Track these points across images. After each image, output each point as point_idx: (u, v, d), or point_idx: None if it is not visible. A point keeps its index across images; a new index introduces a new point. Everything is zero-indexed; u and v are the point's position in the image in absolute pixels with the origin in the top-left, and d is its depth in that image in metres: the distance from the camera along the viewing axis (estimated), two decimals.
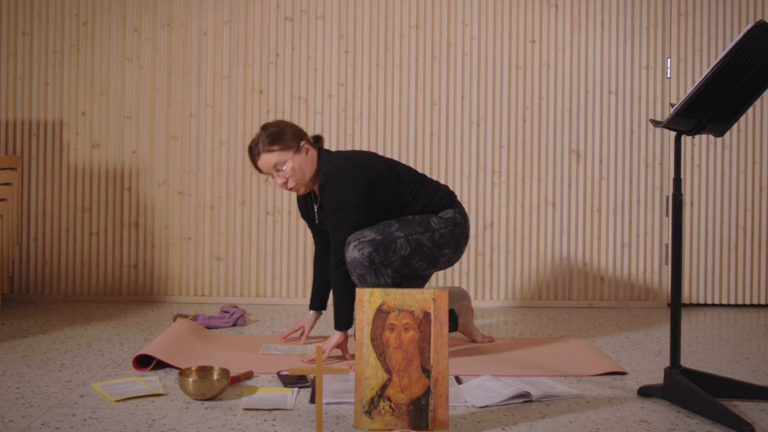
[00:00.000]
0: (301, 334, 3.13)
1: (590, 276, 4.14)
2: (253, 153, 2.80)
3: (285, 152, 2.75)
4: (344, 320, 2.76)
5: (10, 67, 4.13)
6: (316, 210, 2.97)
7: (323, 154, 2.87)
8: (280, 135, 2.76)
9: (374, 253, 2.75)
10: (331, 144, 4.10)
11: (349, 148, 4.11)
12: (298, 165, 2.77)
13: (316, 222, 3.00)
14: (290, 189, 2.82)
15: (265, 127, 2.81)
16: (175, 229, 4.14)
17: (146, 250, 4.13)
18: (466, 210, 4.12)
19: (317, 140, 2.92)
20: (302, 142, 2.79)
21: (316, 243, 3.13)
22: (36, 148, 4.13)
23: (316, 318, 3.14)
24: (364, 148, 4.11)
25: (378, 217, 2.86)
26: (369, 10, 4.11)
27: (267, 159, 2.76)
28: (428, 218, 2.89)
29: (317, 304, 3.13)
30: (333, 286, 2.77)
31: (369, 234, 2.79)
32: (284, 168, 2.76)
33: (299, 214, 3.16)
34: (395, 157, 4.11)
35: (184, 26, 4.12)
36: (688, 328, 3.54)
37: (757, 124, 4.15)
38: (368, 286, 2.80)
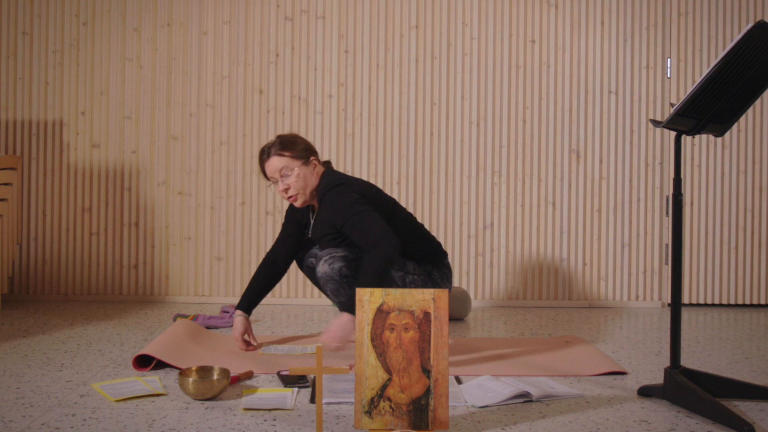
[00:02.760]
0: (252, 342, 2.99)
1: (590, 276, 4.14)
2: (263, 155, 2.86)
3: (294, 160, 2.82)
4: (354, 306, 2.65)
5: (10, 67, 4.13)
6: (312, 224, 2.97)
7: (327, 172, 2.90)
8: (293, 143, 2.84)
9: (345, 268, 2.78)
10: (331, 143, 4.10)
11: (349, 148, 4.11)
12: (302, 175, 2.82)
13: (308, 235, 3.01)
14: (289, 197, 2.85)
15: (280, 136, 2.90)
16: (175, 229, 4.14)
17: (146, 250, 4.13)
18: (467, 209, 4.12)
19: (326, 164, 2.97)
20: (312, 157, 2.86)
21: (279, 247, 3.07)
22: (36, 148, 4.13)
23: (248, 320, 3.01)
24: (364, 149, 4.12)
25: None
26: (369, 10, 4.11)
27: (275, 162, 2.82)
28: (406, 260, 2.91)
29: (250, 305, 3.01)
30: (364, 270, 2.58)
31: (342, 251, 2.82)
32: (290, 174, 2.81)
33: (284, 216, 3.12)
34: (395, 157, 4.11)
35: (184, 26, 4.12)
36: (688, 328, 3.54)
37: (757, 124, 4.15)
38: (344, 298, 2.82)
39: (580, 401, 2.34)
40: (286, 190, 2.84)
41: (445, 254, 3.04)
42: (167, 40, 4.12)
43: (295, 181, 2.82)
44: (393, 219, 2.88)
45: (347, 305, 2.70)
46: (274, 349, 2.99)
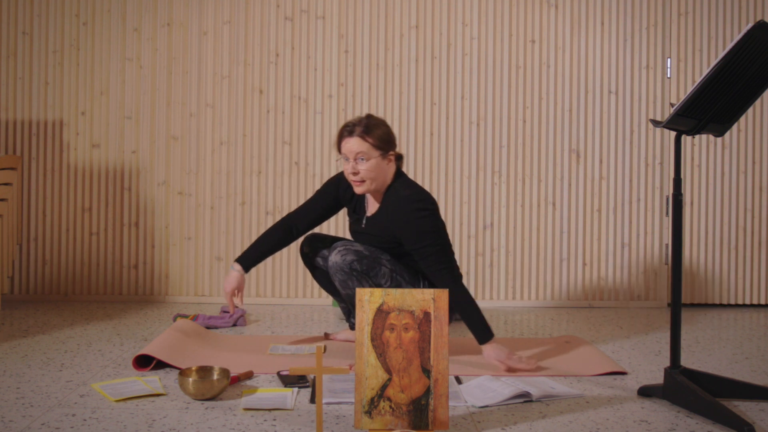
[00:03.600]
0: (238, 305, 2.94)
1: (590, 276, 4.14)
2: (346, 130, 2.76)
3: (374, 149, 2.74)
4: (488, 328, 2.67)
5: (10, 67, 4.13)
6: (368, 216, 2.90)
7: (400, 175, 2.86)
8: (380, 131, 2.75)
9: (356, 263, 2.77)
10: (331, 144, 4.10)
11: None
12: (377, 167, 2.75)
13: (362, 225, 2.92)
14: (355, 181, 2.77)
15: (370, 116, 2.80)
16: (175, 229, 4.14)
17: (146, 250, 4.13)
18: (467, 209, 4.12)
19: (399, 158, 2.90)
20: (391, 152, 2.80)
21: (302, 216, 2.98)
22: (36, 148, 4.13)
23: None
24: None
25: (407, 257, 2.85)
26: (369, 10, 4.11)
27: (356, 143, 2.73)
28: (420, 277, 2.90)
29: (251, 264, 2.91)
30: (462, 302, 2.67)
31: (358, 247, 2.81)
32: (365, 161, 2.74)
33: (321, 187, 3.03)
34: None
35: (184, 26, 4.12)
36: (688, 328, 3.54)
37: (757, 124, 4.15)
38: (351, 291, 2.82)
39: (580, 401, 2.34)
40: (355, 173, 2.76)
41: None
42: (167, 40, 4.12)
43: (368, 170, 2.74)
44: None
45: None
46: (281, 349, 2.99)
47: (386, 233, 2.81)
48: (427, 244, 2.70)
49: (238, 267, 2.91)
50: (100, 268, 4.14)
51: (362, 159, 2.74)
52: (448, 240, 2.79)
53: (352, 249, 2.79)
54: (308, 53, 4.12)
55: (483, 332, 2.66)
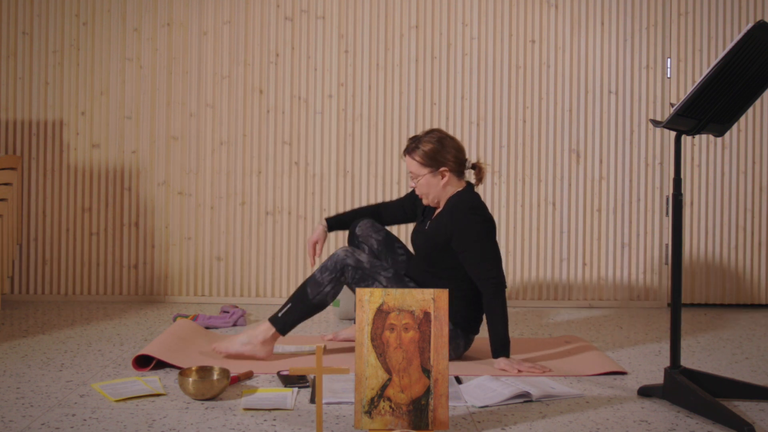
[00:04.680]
0: (317, 254, 3.07)
1: (590, 276, 4.14)
2: (407, 146, 2.91)
3: (422, 168, 2.85)
4: (507, 346, 2.70)
5: (10, 67, 4.13)
6: (433, 218, 2.92)
7: (469, 193, 2.87)
8: (427, 149, 2.84)
9: (349, 270, 2.79)
10: (331, 143, 4.10)
11: (349, 148, 4.11)
12: (427, 183, 2.86)
13: (425, 226, 2.94)
14: (418, 194, 2.95)
15: (430, 132, 2.90)
16: (175, 229, 4.14)
17: (146, 250, 4.13)
18: None
19: (474, 168, 2.94)
20: (443, 168, 2.84)
21: (389, 209, 3.16)
22: (36, 148, 4.13)
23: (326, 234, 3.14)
24: (364, 149, 4.11)
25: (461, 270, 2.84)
26: (369, 10, 4.11)
27: (408, 162, 2.90)
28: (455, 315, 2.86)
29: (335, 225, 3.13)
30: (496, 314, 2.68)
31: (365, 258, 2.82)
32: (416, 179, 2.89)
33: (412, 192, 3.12)
34: (395, 157, 4.11)
35: (184, 26, 4.12)
36: (688, 328, 3.54)
37: (757, 124, 4.15)
38: (317, 279, 2.79)
39: (580, 401, 2.34)
40: (414, 188, 2.94)
41: (477, 332, 2.93)
42: (167, 40, 4.12)
43: (419, 186, 2.88)
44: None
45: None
46: (281, 348, 2.99)
47: (441, 233, 2.82)
48: (474, 249, 2.73)
49: (324, 224, 3.11)
50: (100, 268, 4.14)
51: (413, 177, 2.89)
52: (498, 253, 2.77)
53: (357, 257, 2.80)
54: (308, 53, 4.12)
55: (502, 348, 2.70)
